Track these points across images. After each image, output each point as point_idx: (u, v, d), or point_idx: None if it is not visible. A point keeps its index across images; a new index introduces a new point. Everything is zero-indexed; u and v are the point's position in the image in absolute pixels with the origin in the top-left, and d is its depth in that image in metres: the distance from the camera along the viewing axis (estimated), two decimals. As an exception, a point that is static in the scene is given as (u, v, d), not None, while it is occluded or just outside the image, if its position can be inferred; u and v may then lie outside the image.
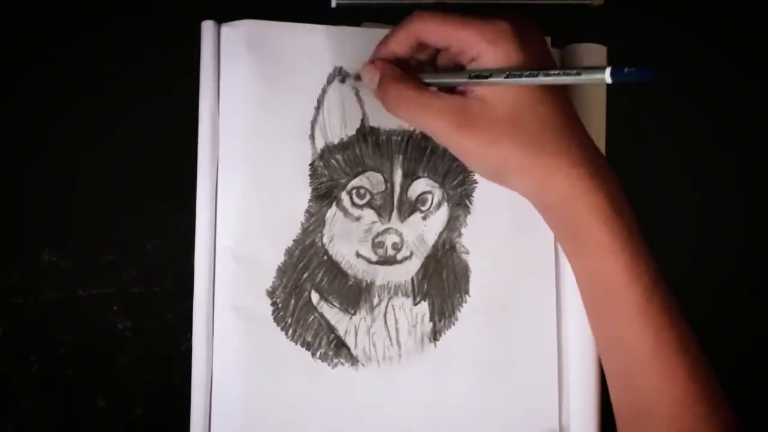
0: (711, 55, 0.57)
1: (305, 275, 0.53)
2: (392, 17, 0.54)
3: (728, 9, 0.57)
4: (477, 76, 0.47)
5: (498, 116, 0.47)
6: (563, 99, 0.49)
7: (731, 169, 0.57)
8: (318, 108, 0.53)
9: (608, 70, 0.42)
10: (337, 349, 0.53)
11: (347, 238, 0.53)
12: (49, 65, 0.53)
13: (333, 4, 0.55)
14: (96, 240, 0.53)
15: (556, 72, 0.45)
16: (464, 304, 0.54)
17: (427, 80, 0.49)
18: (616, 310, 0.47)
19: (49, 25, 0.54)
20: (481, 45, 0.47)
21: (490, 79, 0.47)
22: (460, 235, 0.54)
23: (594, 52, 0.55)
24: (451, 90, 0.49)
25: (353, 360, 0.53)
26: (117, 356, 0.53)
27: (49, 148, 0.53)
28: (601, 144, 0.54)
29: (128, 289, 0.53)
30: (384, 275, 0.53)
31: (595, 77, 0.43)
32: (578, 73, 0.45)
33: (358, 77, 0.53)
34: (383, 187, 0.54)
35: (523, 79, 0.46)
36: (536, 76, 0.45)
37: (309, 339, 0.53)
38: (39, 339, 0.52)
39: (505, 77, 0.46)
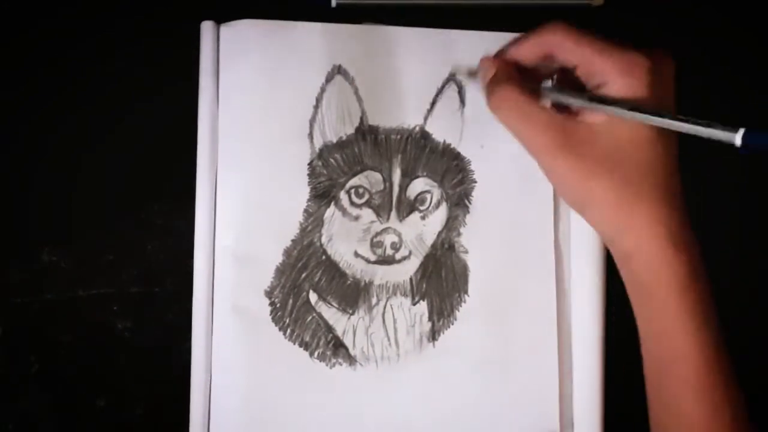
0: (711, 55, 0.57)
1: (303, 275, 0.53)
2: (392, 17, 0.54)
3: (728, 8, 0.57)
4: (598, 100, 0.45)
5: (603, 148, 0.45)
6: (673, 147, 0.46)
7: (731, 169, 0.57)
8: (317, 107, 0.53)
9: (741, 133, 0.40)
10: (335, 349, 0.53)
11: (346, 238, 0.53)
12: (49, 65, 0.54)
13: (333, 4, 0.55)
14: (96, 240, 0.53)
15: (686, 119, 0.43)
16: (463, 304, 0.54)
17: (544, 92, 0.47)
18: (675, 376, 0.45)
19: (49, 26, 0.54)
20: (612, 73, 0.45)
21: (612, 107, 0.44)
22: (459, 234, 0.54)
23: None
24: (560, 109, 0.47)
25: (351, 360, 0.53)
26: (117, 356, 0.53)
27: (50, 148, 0.53)
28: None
29: (128, 290, 0.53)
30: (382, 275, 0.53)
31: (725, 135, 0.41)
32: (709, 125, 0.42)
33: (472, 72, 0.52)
34: (382, 187, 0.53)
35: (647, 116, 0.43)
36: (662, 116, 0.43)
37: (307, 339, 0.52)
38: (39, 339, 0.52)
39: (628, 109, 0.44)
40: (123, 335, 0.53)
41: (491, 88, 0.48)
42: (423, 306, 0.53)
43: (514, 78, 0.47)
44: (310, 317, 0.53)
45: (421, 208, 0.54)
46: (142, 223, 0.53)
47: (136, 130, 0.54)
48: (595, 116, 0.45)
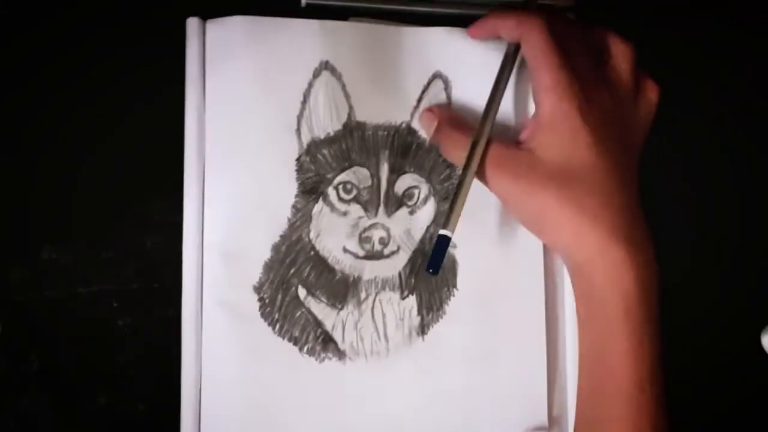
0: (698, 51, 0.57)
1: (292, 270, 0.53)
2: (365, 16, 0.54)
3: (715, 5, 0.57)
4: None
5: (544, 166, 0.47)
6: (623, 157, 0.48)
7: (725, 166, 0.57)
8: (304, 102, 0.54)
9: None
10: (325, 343, 0.53)
11: (334, 233, 0.53)
12: (42, 64, 0.54)
13: (303, 4, 0.55)
14: (95, 237, 0.53)
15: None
16: (452, 298, 0.54)
17: None
18: (608, 391, 0.46)
19: (37, 26, 0.54)
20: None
21: None
22: (447, 229, 0.54)
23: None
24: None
25: (341, 354, 0.53)
26: (117, 353, 0.52)
27: (48, 146, 0.53)
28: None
29: (128, 286, 0.53)
30: (371, 270, 0.53)
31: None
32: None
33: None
34: (370, 182, 0.54)
35: None
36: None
37: (296, 334, 0.53)
38: (39, 337, 0.52)
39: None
40: (123, 332, 0.52)
41: (437, 137, 0.52)
42: (412, 300, 0.54)
43: (454, 121, 0.52)
44: (299, 312, 0.53)
45: (409, 203, 0.54)
46: (141, 220, 0.53)
47: (125, 128, 0.53)
48: (531, 141, 0.48)
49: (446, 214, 0.50)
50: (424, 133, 0.54)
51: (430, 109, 0.53)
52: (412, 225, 0.54)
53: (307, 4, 0.55)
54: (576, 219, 0.46)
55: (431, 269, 0.49)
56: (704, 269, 0.56)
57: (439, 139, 0.52)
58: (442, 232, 0.49)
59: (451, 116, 0.53)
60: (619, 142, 0.48)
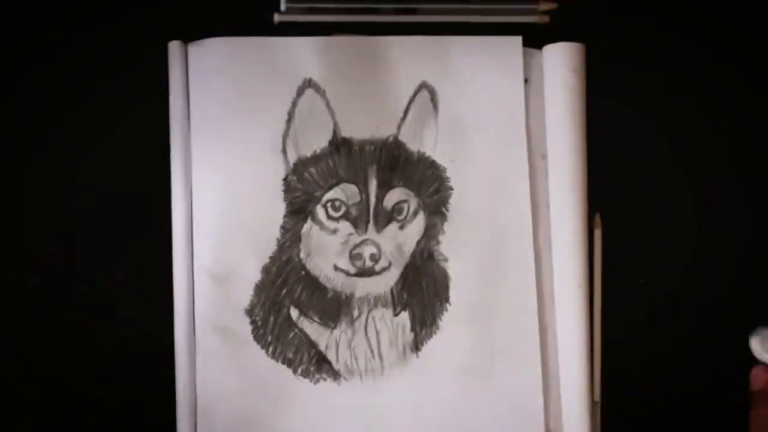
0: (688, 48, 0.56)
1: (284, 291, 0.53)
2: (341, 32, 0.54)
3: (669, 22, 0.57)
4: None
5: None
6: None
7: (716, 158, 0.56)
8: (289, 121, 0.53)
9: None
10: (319, 364, 0.53)
11: (324, 252, 0.53)
12: (25, 81, 0.54)
13: (275, 21, 0.54)
14: (81, 262, 0.53)
15: None
16: (445, 312, 0.53)
17: None
18: None
19: (22, 40, 0.54)
20: None
21: None
22: (437, 242, 0.54)
23: (572, 50, 0.55)
24: None
25: (335, 375, 0.53)
26: (110, 379, 0.53)
27: (38, 157, 0.53)
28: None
29: (118, 311, 0.53)
30: (363, 287, 0.53)
31: None
32: None
33: None
34: (358, 199, 0.53)
35: None
36: None
37: (290, 356, 0.52)
38: (35, 341, 0.52)
39: None
40: (120, 339, 0.53)
41: None
42: (405, 316, 0.53)
43: None
44: (292, 333, 0.53)
45: (399, 218, 0.54)
46: (128, 247, 0.53)
47: (112, 153, 0.54)
48: None
49: None
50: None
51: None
52: (402, 240, 0.53)
53: (280, 23, 0.54)
54: None
55: None
56: (698, 273, 0.55)
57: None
58: None
59: None
60: None
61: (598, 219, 0.54)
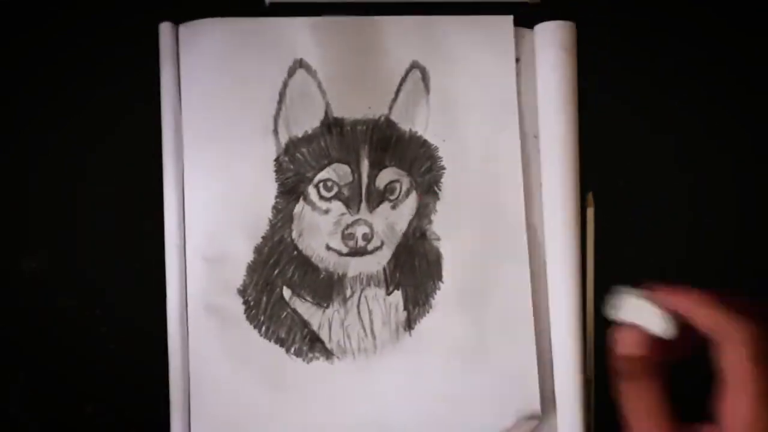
0: (681, 34, 0.56)
1: (276, 271, 0.53)
2: (332, 12, 0.54)
3: (661, 9, 0.56)
4: None
5: None
6: None
7: (710, 134, 0.56)
8: (280, 102, 0.53)
9: None
10: (312, 343, 0.53)
11: (316, 232, 0.53)
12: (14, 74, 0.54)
13: (267, 3, 0.54)
14: (74, 247, 0.53)
15: None
16: (438, 291, 0.53)
17: None
18: None
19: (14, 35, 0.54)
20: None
21: None
22: (430, 222, 0.54)
23: (564, 29, 0.55)
24: None
25: (328, 354, 0.53)
26: (102, 360, 0.53)
27: (24, 155, 0.53)
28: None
29: (111, 293, 0.53)
30: (356, 266, 0.53)
31: None
32: None
33: None
34: (350, 179, 0.53)
35: None
36: None
37: (283, 335, 0.52)
38: (24, 347, 0.52)
39: None
40: (108, 338, 0.53)
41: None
42: (398, 295, 0.53)
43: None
44: (284, 313, 0.53)
45: (391, 197, 0.54)
46: (120, 228, 0.53)
47: (103, 137, 0.54)
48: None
49: None
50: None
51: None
52: (394, 219, 0.53)
53: (271, 3, 0.54)
54: None
55: None
56: (690, 251, 0.55)
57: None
58: None
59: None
60: None
61: (590, 198, 0.54)
